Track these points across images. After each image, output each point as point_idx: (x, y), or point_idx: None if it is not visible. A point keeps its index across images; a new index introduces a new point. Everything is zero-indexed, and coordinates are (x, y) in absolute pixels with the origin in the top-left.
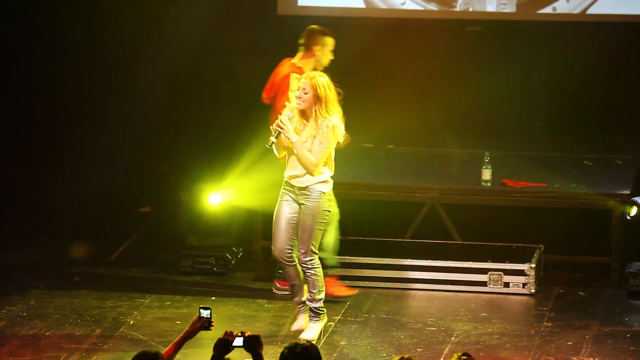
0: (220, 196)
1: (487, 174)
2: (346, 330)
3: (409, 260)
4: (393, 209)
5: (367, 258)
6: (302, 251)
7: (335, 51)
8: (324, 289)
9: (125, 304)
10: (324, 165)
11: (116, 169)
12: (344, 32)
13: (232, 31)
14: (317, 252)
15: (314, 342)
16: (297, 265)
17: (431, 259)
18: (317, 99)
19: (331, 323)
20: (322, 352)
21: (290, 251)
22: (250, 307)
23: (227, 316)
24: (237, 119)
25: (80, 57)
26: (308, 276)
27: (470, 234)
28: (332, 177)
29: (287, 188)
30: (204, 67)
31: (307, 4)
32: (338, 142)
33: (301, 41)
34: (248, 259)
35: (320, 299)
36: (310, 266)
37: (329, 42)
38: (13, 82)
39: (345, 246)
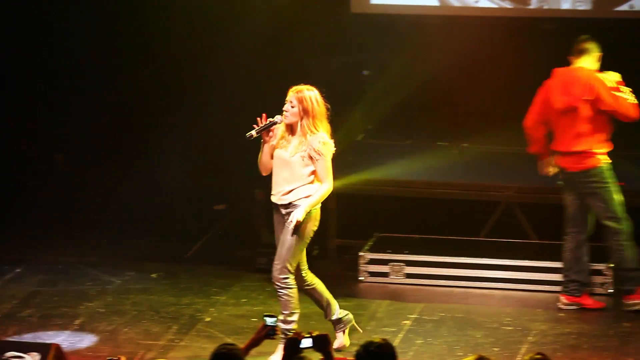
0: None
1: None
2: (422, 329)
3: (484, 259)
4: (468, 207)
5: (443, 257)
6: (277, 267)
7: (408, 49)
8: (297, 310)
9: (202, 301)
10: (311, 183)
11: (192, 167)
12: (417, 30)
13: (306, 29)
14: (292, 271)
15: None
16: (317, 284)
17: (507, 258)
18: (305, 112)
19: (407, 322)
20: (397, 351)
21: (301, 273)
22: None
23: (302, 314)
24: None
25: (156, 56)
26: (280, 296)
27: (547, 233)
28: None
29: (277, 211)
30: (277, 65)
31: (380, 2)
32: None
33: (586, 47)
34: (322, 257)
35: (292, 321)
36: (283, 285)
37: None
38: (88, 81)
39: (420, 245)
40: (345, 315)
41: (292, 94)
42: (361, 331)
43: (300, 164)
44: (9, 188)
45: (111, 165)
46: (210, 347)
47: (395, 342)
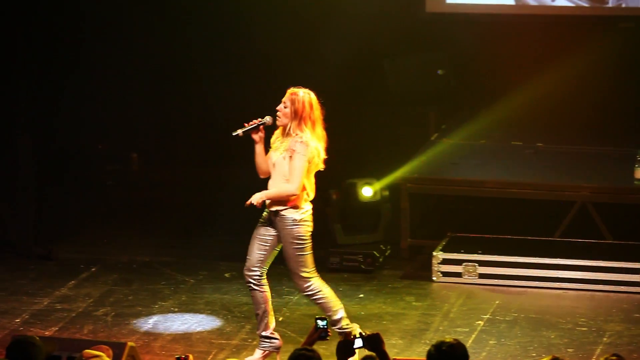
0: (372, 190)
1: (639, 173)
2: (495, 329)
3: (559, 259)
4: (542, 207)
5: (517, 257)
6: (297, 282)
7: (483, 49)
8: (338, 307)
9: (274, 301)
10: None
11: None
12: (492, 30)
13: (381, 29)
14: (310, 275)
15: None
16: (267, 292)
17: (582, 259)
18: (295, 114)
19: (480, 322)
20: (470, 351)
21: (257, 273)
22: (398, 305)
23: (375, 314)
24: (385, 116)
25: (242, 56)
26: (317, 303)
27: (622, 233)
28: (309, 200)
29: (267, 209)
30: (354, 65)
31: (455, 1)
32: (317, 165)
33: None
34: (395, 257)
35: (338, 319)
36: (310, 292)
37: None
38: (165, 80)
39: (494, 245)
40: (275, 339)
41: (287, 95)
42: None
43: (283, 164)
44: (85, 187)
45: (186, 165)
46: (283, 347)
47: (468, 343)
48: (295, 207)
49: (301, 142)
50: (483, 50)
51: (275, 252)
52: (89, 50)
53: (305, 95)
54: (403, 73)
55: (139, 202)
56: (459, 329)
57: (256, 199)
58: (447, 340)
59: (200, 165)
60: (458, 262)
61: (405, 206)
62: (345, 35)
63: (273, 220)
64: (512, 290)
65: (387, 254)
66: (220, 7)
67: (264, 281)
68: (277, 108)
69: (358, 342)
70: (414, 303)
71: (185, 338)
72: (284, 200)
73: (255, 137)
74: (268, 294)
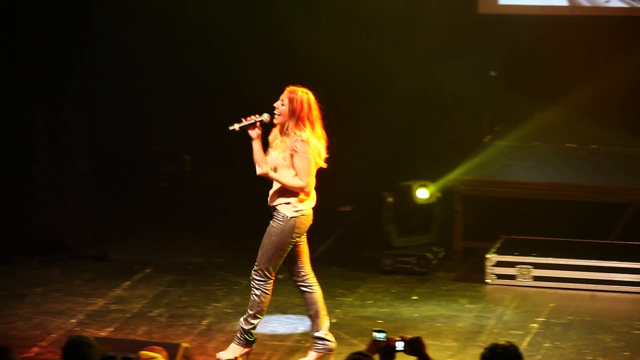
0: (427, 192)
1: None
2: (549, 332)
3: (613, 262)
4: (596, 210)
5: (571, 260)
6: (255, 268)
7: (536, 50)
8: (261, 317)
9: (327, 302)
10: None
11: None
12: (545, 31)
13: (433, 30)
14: (270, 276)
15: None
16: (316, 293)
17: (637, 261)
18: (292, 113)
19: (534, 325)
20: (524, 354)
21: (298, 277)
22: (452, 307)
23: (429, 316)
24: (438, 117)
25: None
26: (252, 294)
27: None
28: (307, 200)
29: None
30: (406, 67)
31: (508, 2)
32: (317, 164)
33: None
34: (449, 259)
35: (252, 324)
36: (257, 286)
37: None
38: (228, 84)
39: (548, 247)
40: (329, 340)
41: (285, 93)
42: None
43: (283, 165)
44: (139, 189)
45: (239, 166)
46: (336, 349)
47: (523, 346)
48: (290, 203)
49: (302, 140)
50: (536, 51)
51: (305, 247)
52: (143, 53)
53: (303, 95)
54: (455, 75)
55: (192, 203)
56: (513, 332)
57: (264, 169)
58: (501, 342)
59: (252, 166)
60: (512, 265)
61: (459, 208)
62: (396, 36)
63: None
64: (566, 293)
65: (440, 256)
66: (272, 13)
67: (312, 281)
68: (275, 105)
69: (399, 345)
70: (467, 305)
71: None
72: (283, 195)
73: (252, 133)
74: (318, 294)
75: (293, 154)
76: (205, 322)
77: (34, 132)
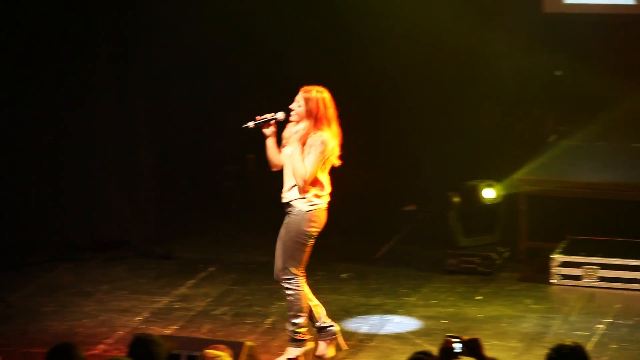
0: (493, 192)
1: None
2: (616, 333)
3: None
4: None
5: (638, 260)
6: (279, 268)
7: (602, 49)
8: (303, 314)
9: (391, 302)
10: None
11: (381, 167)
12: (611, 29)
13: (497, 30)
14: (297, 273)
15: None
16: (304, 290)
17: None
18: (309, 113)
19: (601, 326)
20: (591, 355)
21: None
22: (517, 308)
23: (493, 316)
24: (502, 117)
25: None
26: (286, 296)
27: None
28: (323, 196)
29: (284, 209)
30: (469, 66)
31: (574, 1)
32: (331, 162)
33: None
34: (513, 259)
35: (296, 324)
36: (287, 285)
37: None
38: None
39: (614, 248)
40: (330, 326)
41: (300, 94)
42: (346, 348)
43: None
44: (203, 188)
45: None
46: (399, 348)
47: (589, 347)
48: (305, 198)
49: (322, 140)
50: (601, 50)
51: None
52: (209, 51)
53: (318, 94)
54: (520, 74)
55: (255, 202)
56: (578, 332)
57: (295, 137)
58: (567, 343)
59: None
60: (577, 265)
61: (523, 208)
62: (460, 36)
63: (286, 212)
64: (633, 294)
65: (505, 256)
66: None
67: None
68: (291, 107)
69: (458, 347)
70: (532, 306)
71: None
72: (294, 190)
73: (267, 131)
74: (307, 291)
75: (308, 148)
76: (269, 320)
77: (100, 131)
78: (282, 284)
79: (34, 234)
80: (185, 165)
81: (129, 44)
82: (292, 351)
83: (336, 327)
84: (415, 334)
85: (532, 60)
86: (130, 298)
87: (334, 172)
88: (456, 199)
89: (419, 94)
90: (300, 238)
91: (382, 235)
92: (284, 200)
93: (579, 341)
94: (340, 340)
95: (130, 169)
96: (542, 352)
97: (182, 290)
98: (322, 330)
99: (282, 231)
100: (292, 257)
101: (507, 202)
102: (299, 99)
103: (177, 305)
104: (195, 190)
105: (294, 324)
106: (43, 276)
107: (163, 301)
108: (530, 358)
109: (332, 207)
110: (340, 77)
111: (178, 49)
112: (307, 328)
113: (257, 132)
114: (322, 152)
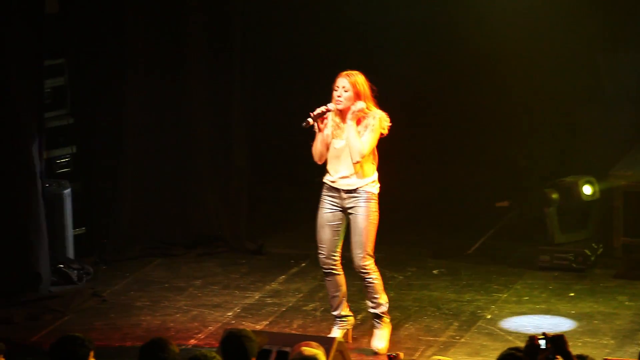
0: (591, 189)
1: None
2: None
3: None
4: None
5: None
6: (360, 255)
7: None
8: (384, 293)
9: (483, 298)
10: (372, 163)
11: (474, 163)
12: None
13: (596, 23)
14: (372, 255)
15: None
16: (342, 275)
17: None
18: (357, 96)
19: None
20: None
21: (335, 259)
22: (610, 305)
23: (586, 313)
24: (599, 113)
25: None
26: (368, 282)
27: None
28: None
29: (331, 194)
30: (566, 60)
31: None
32: (382, 133)
33: None
34: (607, 256)
35: (382, 304)
36: (369, 270)
37: None
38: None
39: None
40: (349, 316)
41: (343, 79)
42: (350, 342)
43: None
44: (294, 183)
45: (399, 162)
46: (490, 345)
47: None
48: (374, 181)
49: (376, 117)
50: None
51: (343, 234)
52: (305, 50)
53: (358, 77)
54: (618, 69)
55: None
56: None
57: (357, 107)
58: None
59: (412, 162)
60: None
61: (619, 204)
62: (554, 29)
63: (344, 198)
64: None
65: (598, 252)
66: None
67: (339, 265)
68: (337, 95)
69: (542, 343)
70: (627, 303)
71: (393, 334)
72: (364, 176)
73: (321, 125)
74: (342, 278)
75: (363, 127)
76: (359, 316)
77: (194, 127)
78: (363, 271)
79: (128, 229)
80: (278, 161)
81: (230, 40)
82: (383, 334)
83: (352, 319)
84: (507, 330)
85: (631, 55)
86: (222, 293)
87: (428, 168)
88: (554, 195)
89: (519, 89)
90: (376, 220)
91: (474, 231)
92: (349, 187)
93: (379, 349)
94: (350, 332)
95: (224, 165)
96: (636, 349)
97: (274, 285)
98: (343, 318)
99: (354, 219)
100: (371, 241)
101: (601, 198)
102: (344, 83)
103: (268, 300)
104: (287, 186)
105: (381, 304)
106: (137, 271)
107: (254, 296)
108: (624, 355)
109: (425, 203)
110: (440, 76)
111: (274, 44)
112: None
113: None
114: (379, 129)
